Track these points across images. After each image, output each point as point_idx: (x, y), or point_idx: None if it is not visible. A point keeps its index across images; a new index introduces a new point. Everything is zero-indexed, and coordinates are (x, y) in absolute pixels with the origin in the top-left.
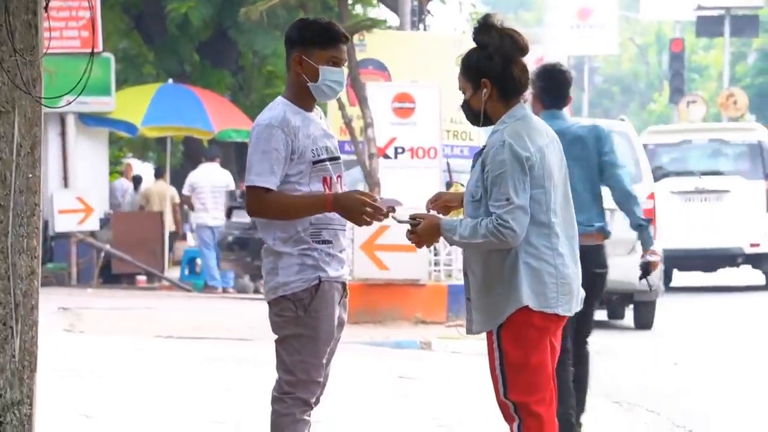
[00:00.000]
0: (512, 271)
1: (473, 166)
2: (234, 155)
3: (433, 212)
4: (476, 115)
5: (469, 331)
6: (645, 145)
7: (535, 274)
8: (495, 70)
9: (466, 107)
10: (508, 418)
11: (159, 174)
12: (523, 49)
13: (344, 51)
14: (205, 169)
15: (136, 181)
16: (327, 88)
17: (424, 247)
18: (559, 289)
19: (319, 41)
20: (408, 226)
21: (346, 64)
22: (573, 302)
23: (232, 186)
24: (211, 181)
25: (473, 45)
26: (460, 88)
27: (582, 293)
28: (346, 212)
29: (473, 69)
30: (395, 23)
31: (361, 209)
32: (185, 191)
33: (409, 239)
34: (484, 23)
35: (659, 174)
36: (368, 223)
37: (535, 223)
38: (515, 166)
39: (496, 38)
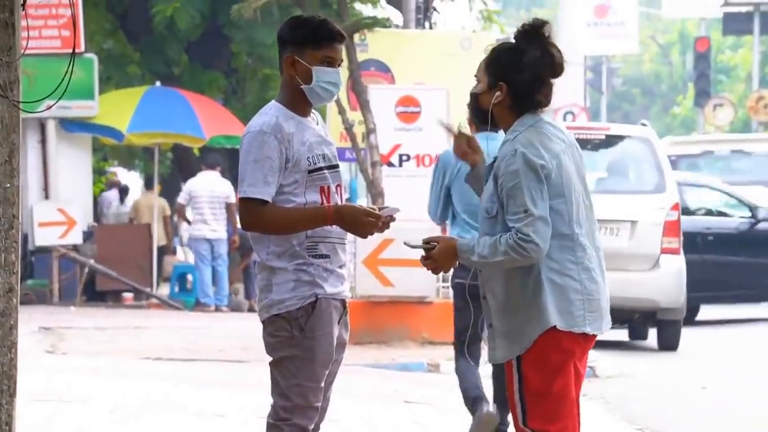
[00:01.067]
0: (536, 289)
1: (485, 180)
2: (228, 163)
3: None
4: (482, 112)
5: (494, 360)
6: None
7: (560, 292)
8: (519, 81)
9: (474, 99)
10: None
11: (149, 185)
12: (557, 70)
13: (340, 50)
14: (205, 177)
15: (123, 191)
16: (322, 91)
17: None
18: (585, 306)
19: (312, 40)
20: (422, 252)
21: (342, 64)
22: (602, 320)
23: (233, 198)
24: (211, 191)
25: (483, 44)
26: (475, 76)
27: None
28: (348, 224)
29: (498, 68)
30: (399, 21)
31: (364, 219)
32: (181, 199)
33: (425, 265)
34: (531, 29)
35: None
36: (371, 233)
37: (558, 236)
38: (530, 175)
39: (536, 52)
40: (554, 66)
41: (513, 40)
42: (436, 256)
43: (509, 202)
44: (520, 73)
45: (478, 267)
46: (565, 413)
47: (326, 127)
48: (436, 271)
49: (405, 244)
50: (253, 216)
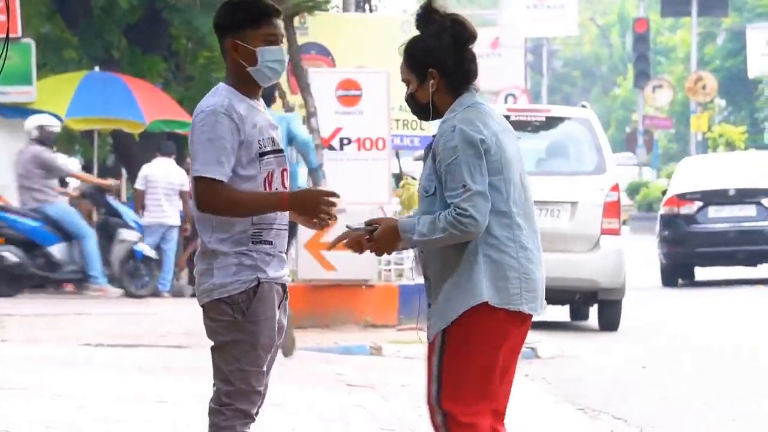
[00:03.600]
0: (471, 264)
1: (424, 159)
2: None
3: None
4: (424, 108)
5: (428, 339)
6: None
7: (497, 268)
8: (442, 59)
9: (411, 100)
10: (435, 427)
11: (87, 171)
12: (472, 37)
13: (279, 26)
14: (160, 164)
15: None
16: (268, 70)
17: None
18: (522, 285)
19: (250, 21)
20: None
21: (283, 48)
22: (538, 301)
23: (187, 186)
24: (167, 177)
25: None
26: (403, 80)
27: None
28: (304, 209)
29: (418, 59)
30: (339, 5)
31: (320, 199)
32: (138, 185)
33: (368, 248)
34: (427, 10)
35: None
36: (325, 219)
37: (496, 213)
38: (468, 150)
39: (442, 25)
40: (466, 32)
41: (417, 31)
42: (378, 237)
43: (448, 178)
44: (440, 53)
45: (419, 246)
46: (483, 396)
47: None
48: (379, 253)
49: (347, 227)
50: (209, 195)
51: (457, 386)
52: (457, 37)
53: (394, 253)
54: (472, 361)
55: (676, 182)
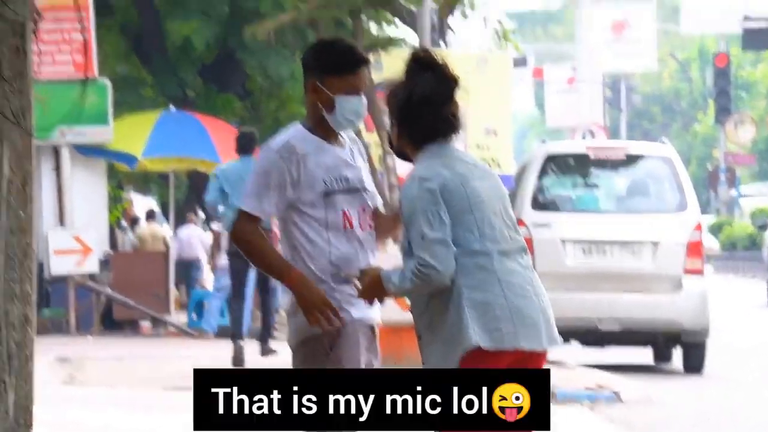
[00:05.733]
0: (458, 313)
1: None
2: None
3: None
4: (392, 146)
5: None
6: None
7: (484, 309)
8: (403, 112)
9: (390, 140)
10: None
11: (151, 216)
12: (446, 90)
13: (364, 77)
14: None
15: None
16: (344, 120)
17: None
18: (516, 321)
19: (335, 67)
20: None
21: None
22: (541, 336)
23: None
24: None
25: (499, 63)
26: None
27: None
28: (303, 301)
29: (389, 106)
30: (414, 41)
31: (322, 309)
32: (218, 228)
33: (359, 297)
34: (412, 57)
35: None
36: (319, 325)
37: (470, 253)
38: (425, 197)
39: (416, 78)
40: (439, 88)
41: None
42: (364, 288)
43: (410, 230)
44: (403, 105)
45: (397, 296)
46: None
47: (360, 145)
48: (369, 302)
49: (343, 275)
50: (237, 226)
51: None
52: (427, 92)
53: None
54: None
55: None
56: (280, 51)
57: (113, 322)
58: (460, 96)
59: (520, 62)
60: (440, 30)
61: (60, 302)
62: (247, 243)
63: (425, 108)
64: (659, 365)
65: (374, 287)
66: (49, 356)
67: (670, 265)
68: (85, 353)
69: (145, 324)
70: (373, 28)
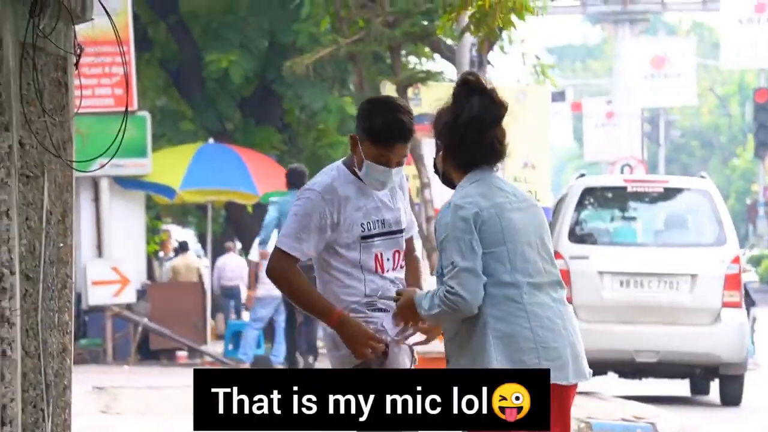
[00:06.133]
0: (483, 344)
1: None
2: None
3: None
4: (438, 172)
5: None
6: None
7: (509, 341)
8: (451, 139)
9: (435, 165)
10: None
11: (184, 247)
12: (491, 120)
13: (401, 150)
14: (274, 236)
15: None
16: (368, 181)
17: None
18: (541, 354)
19: (373, 136)
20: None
21: (402, 161)
22: (568, 369)
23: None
24: None
25: (538, 97)
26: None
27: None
28: (348, 339)
29: (436, 129)
30: (452, 75)
31: (366, 342)
32: (252, 257)
33: (394, 315)
34: (461, 82)
35: None
36: (370, 356)
37: (500, 284)
38: (458, 225)
39: (465, 103)
40: (485, 114)
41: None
42: (398, 309)
43: (442, 256)
44: (449, 129)
45: (428, 320)
46: None
47: (405, 180)
48: (405, 324)
49: (379, 297)
50: (274, 263)
51: None
52: (474, 115)
53: None
54: None
55: None
56: (316, 83)
57: (150, 352)
58: (506, 123)
59: (558, 96)
60: (479, 64)
61: (97, 332)
62: (286, 281)
63: (471, 131)
64: (696, 398)
65: (408, 308)
66: (86, 385)
67: (708, 298)
68: (122, 383)
69: (182, 354)
70: (411, 62)
